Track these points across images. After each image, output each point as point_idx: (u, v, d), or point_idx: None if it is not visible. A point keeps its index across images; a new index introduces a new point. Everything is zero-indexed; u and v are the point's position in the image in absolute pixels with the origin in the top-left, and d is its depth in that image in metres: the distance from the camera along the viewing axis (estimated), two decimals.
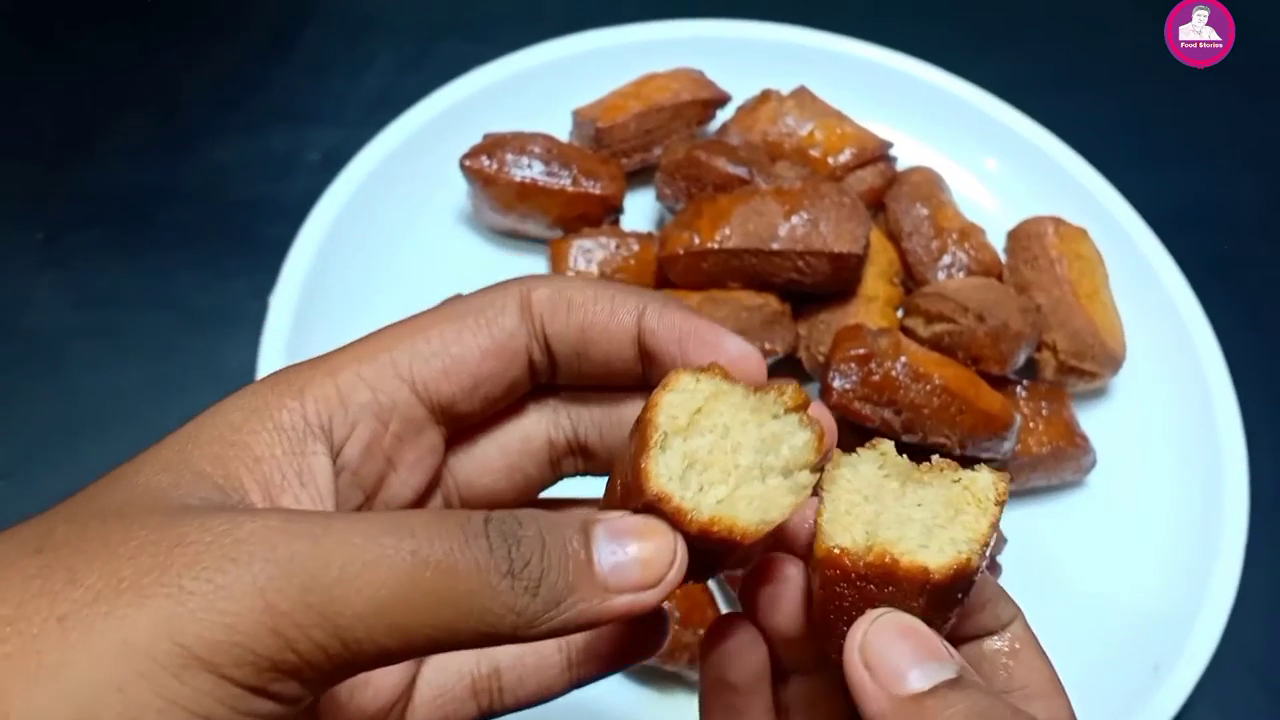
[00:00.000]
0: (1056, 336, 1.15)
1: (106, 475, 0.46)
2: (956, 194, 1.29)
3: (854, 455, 0.51)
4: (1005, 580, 1.05)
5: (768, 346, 1.10)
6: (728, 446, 0.48)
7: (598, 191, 1.21)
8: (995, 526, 0.49)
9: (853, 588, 0.49)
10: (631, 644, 0.61)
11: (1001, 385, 1.11)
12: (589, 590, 0.45)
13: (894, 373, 1.01)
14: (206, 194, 1.34)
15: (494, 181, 1.19)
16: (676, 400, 0.48)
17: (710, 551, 0.48)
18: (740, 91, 1.32)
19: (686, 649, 0.97)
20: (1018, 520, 1.10)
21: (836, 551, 0.49)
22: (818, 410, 0.51)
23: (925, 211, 1.22)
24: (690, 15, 1.41)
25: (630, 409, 0.50)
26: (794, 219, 1.11)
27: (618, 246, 1.18)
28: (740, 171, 1.17)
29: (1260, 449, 1.15)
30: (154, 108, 1.42)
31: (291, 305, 1.12)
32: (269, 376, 0.50)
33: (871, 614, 0.48)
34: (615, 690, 1.01)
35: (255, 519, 0.41)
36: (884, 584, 0.48)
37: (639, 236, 1.20)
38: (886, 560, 0.48)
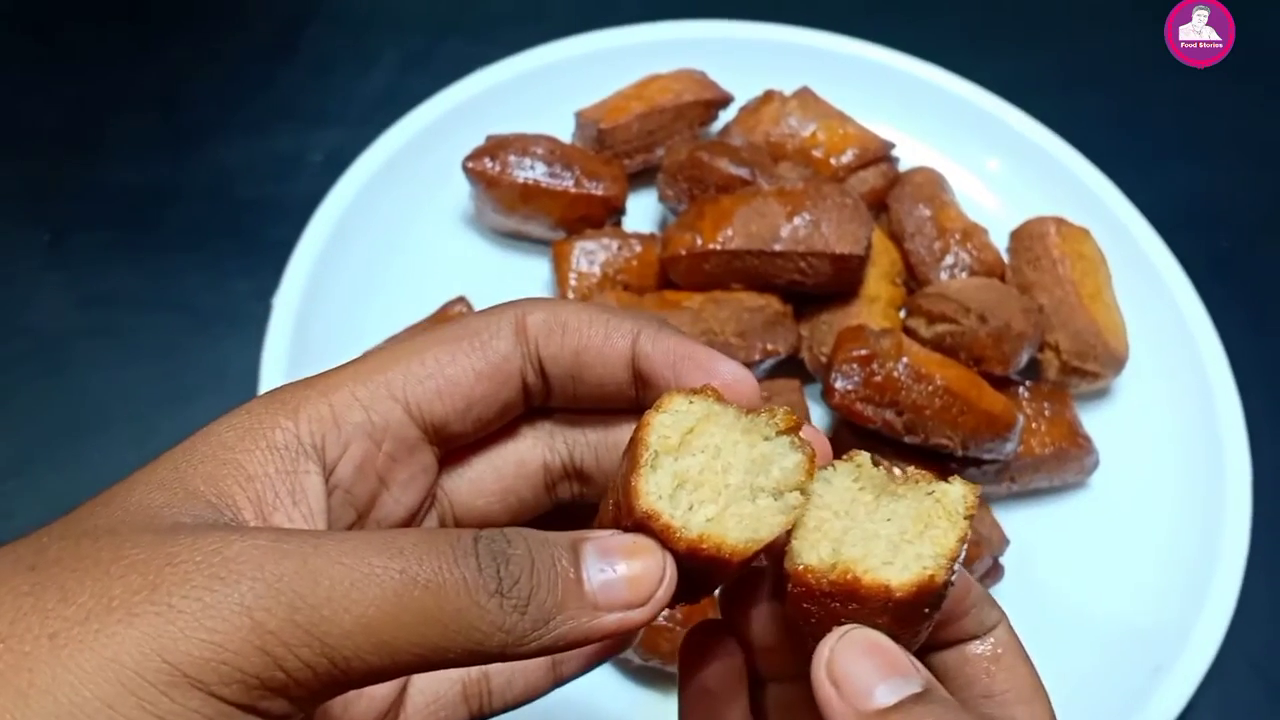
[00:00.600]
0: (1059, 337, 1.15)
1: (100, 494, 0.46)
2: (959, 194, 1.29)
3: (828, 469, 0.51)
4: (1007, 581, 1.05)
5: (770, 347, 1.10)
6: (718, 467, 0.48)
7: (600, 193, 1.21)
8: (964, 541, 0.48)
9: (818, 605, 0.49)
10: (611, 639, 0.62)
11: (1004, 386, 1.11)
12: (578, 608, 0.45)
13: (896, 374, 1.01)
14: (210, 194, 1.34)
15: (497, 183, 1.19)
16: (668, 420, 0.48)
17: (701, 571, 0.48)
18: (743, 92, 1.32)
19: None
20: (1020, 521, 1.10)
21: (802, 569, 0.48)
22: (810, 433, 0.51)
23: (928, 212, 1.22)
24: (692, 16, 1.42)
25: (626, 431, 0.50)
26: (796, 220, 1.11)
27: (620, 248, 1.18)
28: (742, 172, 1.17)
29: (1263, 449, 1.15)
30: (158, 108, 1.42)
31: (294, 306, 1.13)
32: (263, 396, 0.51)
33: (838, 631, 0.48)
34: (617, 691, 1.01)
35: (245, 538, 0.41)
36: (848, 601, 0.48)
37: (641, 238, 1.20)
38: (849, 578, 0.48)
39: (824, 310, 1.15)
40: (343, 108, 1.42)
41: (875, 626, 0.48)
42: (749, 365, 1.09)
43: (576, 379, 0.55)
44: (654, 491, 0.47)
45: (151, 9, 1.52)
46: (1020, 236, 1.23)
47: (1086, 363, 1.15)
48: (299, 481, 0.48)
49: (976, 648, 0.54)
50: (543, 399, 0.56)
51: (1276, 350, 1.29)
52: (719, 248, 1.11)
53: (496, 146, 1.20)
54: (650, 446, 0.47)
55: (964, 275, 1.19)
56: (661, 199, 1.23)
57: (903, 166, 1.30)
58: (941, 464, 1.05)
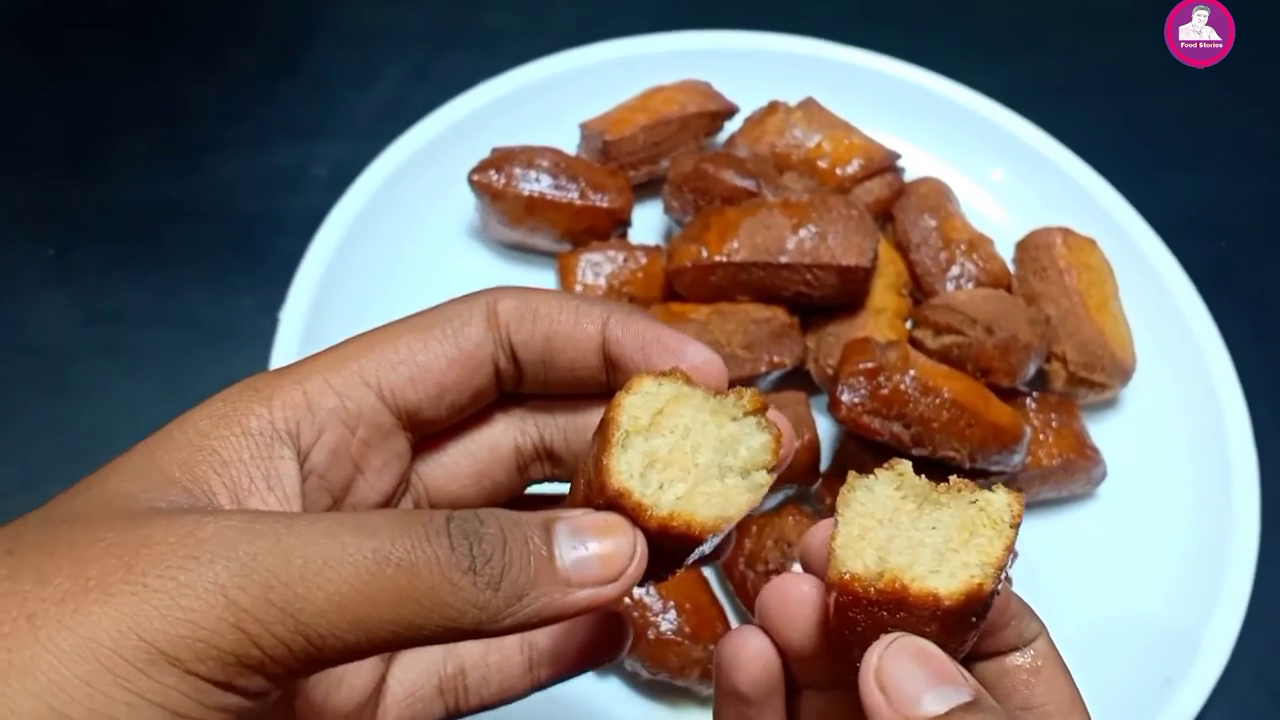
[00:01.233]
0: (1066, 348, 1.15)
1: (78, 482, 0.47)
2: (964, 205, 1.28)
3: (870, 477, 0.51)
4: (1014, 593, 1.04)
5: (776, 359, 1.10)
6: (687, 446, 0.49)
7: (605, 205, 1.21)
8: (1010, 549, 0.49)
9: (865, 613, 0.49)
10: (591, 649, 0.63)
11: (1011, 397, 1.11)
12: (550, 585, 0.46)
13: (903, 386, 1.01)
14: (214, 209, 1.34)
15: (502, 195, 1.19)
16: (639, 401, 0.49)
17: (671, 549, 0.49)
18: (747, 103, 1.32)
19: (697, 664, 0.97)
20: (1027, 533, 1.08)
21: (848, 577, 0.49)
22: (775, 414, 0.52)
23: (933, 223, 1.22)
24: (697, 27, 1.42)
25: (595, 415, 0.52)
26: (802, 232, 1.11)
27: (625, 260, 1.18)
28: (748, 184, 1.17)
29: (1271, 459, 1.14)
30: (161, 123, 1.42)
31: (301, 320, 1.13)
32: (238, 384, 0.51)
33: (886, 638, 0.48)
34: (627, 705, 1.01)
35: (219, 519, 0.42)
36: (895, 610, 0.48)
37: (647, 249, 1.20)
38: (897, 587, 0.48)
39: (830, 322, 1.15)
40: (345, 122, 1.42)
41: (922, 635, 0.48)
42: (756, 377, 1.09)
43: (548, 364, 0.56)
44: (625, 470, 0.48)
45: (155, 25, 1.52)
46: (1026, 247, 1.23)
47: (1094, 373, 1.15)
48: (274, 467, 0.49)
49: (1016, 659, 0.54)
50: (515, 384, 0.57)
51: None
52: (725, 260, 1.11)
53: (502, 159, 1.20)
54: (621, 426, 0.48)
55: (970, 286, 1.19)
56: (667, 211, 1.23)
57: (908, 177, 1.30)
58: (949, 476, 1.05)
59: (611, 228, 1.22)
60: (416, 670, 0.61)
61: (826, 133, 1.27)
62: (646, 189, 1.30)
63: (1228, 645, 1.03)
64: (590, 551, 0.47)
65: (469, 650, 0.62)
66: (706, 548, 0.51)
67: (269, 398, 0.50)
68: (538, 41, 1.40)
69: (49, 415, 1.17)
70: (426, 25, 1.55)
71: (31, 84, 1.44)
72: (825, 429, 1.09)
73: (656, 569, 0.49)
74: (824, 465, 1.09)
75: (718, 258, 1.11)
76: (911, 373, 1.01)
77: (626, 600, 0.97)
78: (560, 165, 1.21)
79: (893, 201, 1.26)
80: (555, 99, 1.34)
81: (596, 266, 1.17)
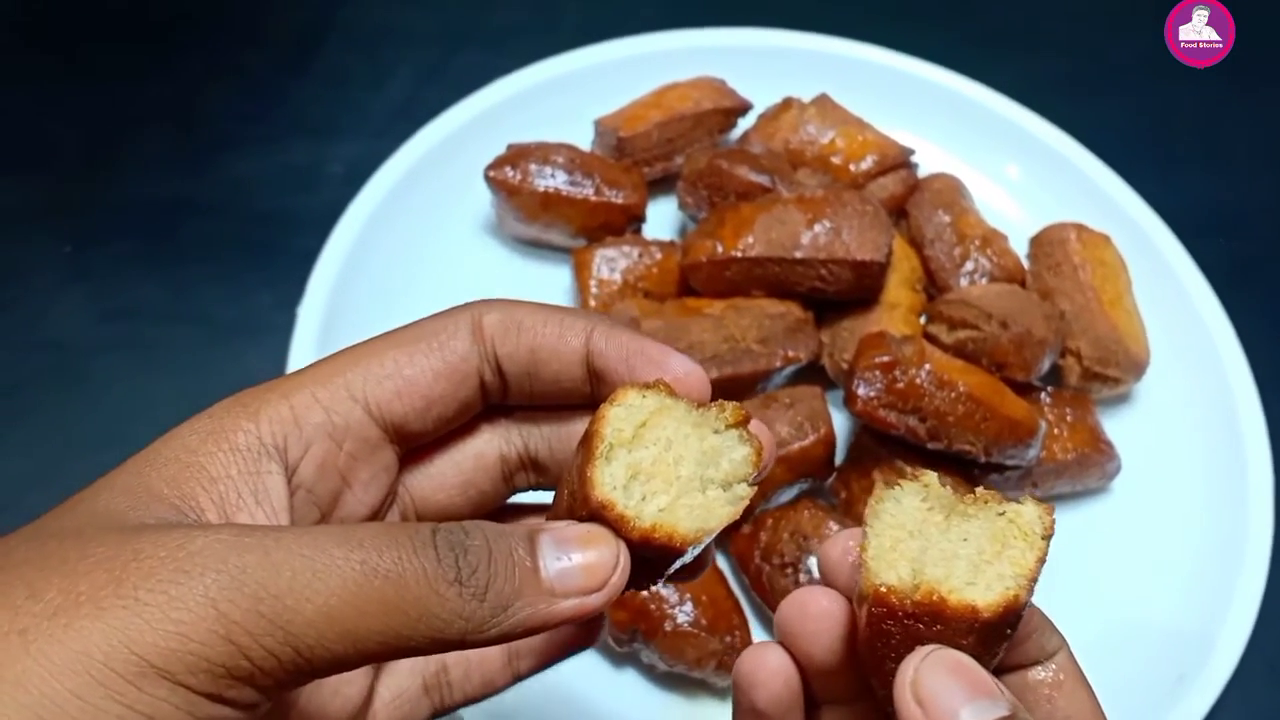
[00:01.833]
0: (1080, 343, 1.15)
1: (67, 500, 0.47)
2: (978, 200, 1.29)
3: (896, 489, 0.51)
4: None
5: (791, 354, 1.10)
6: (670, 459, 0.50)
7: (620, 201, 1.21)
8: (1043, 561, 0.49)
9: (900, 625, 0.49)
10: (568, 639, 0.64)
11: (1026, 392, 1.11)
12: (535, 595, 0.46)
13: (918, 380, 1.01)
14: (230, 207, 1.35)
15: (518, 192, 1.19)
16: (622, 414, 0.50)
17: (652, 559, 0.49)
18: (761, 99, 1.32)
19: (713, 656, 0.97)
20: None
21: (883, 590, 0.49)
22: (756, 427, 0.52)
23: (947, 218, 1.22)
24: (711, 24, 1.42)
25: (579, 426, 0.53)
26: (816, 227, 1.11)
27: (641, 255, 1.18)
28: (762, 180, 1.17)
29: None
30: (176, 122, 1.43)
31: (318, 316, 1.13)
32: (226, 400, 0.52)
33: (922, 650, 0.48)
34: (644, 697, 1.01)
35: (208, 534, 0.43)
36: (932, 622, 0.48)
37: (661, 245, 1.20)
38: (934, 599, 0.48)
39: (845, 317, 1.15)
40: (359, 120, 1.43)
41: (959, 648, 0.48)
42: (771, 372, 1.09)
43: (533, 376, 0.56)
44: (608, 482, 0.48)
45: (170, 26, 1.53)
46: (1040, 242, 1.23)
47: (1108, 368, 1.15)
48: (262, 482, 0.49)
49: (1039, 673, 0.54)
50: (500, 396, 0.58)
51: None
52: (740, 255, 1.11)
53: (517, 155, 1.20)
54: (605, 439, 0.49)
55: (984, 281, 1.19)
56: (681, 206, 1.24)
57: (922, 173, 1.30)
58: (965, 470, 1.05)
59: (626, 223, 1.23)
60: (401, 673, 0.61)
61: (840, 129, 1.28)
62: (661, 185, 1.30)
63: (1241, 641, 1.02)
64: (574, 562, 0.47)
65: None
66: (688, 558, 0.51)
67: (256, 413, 0.51)
68: (550, 40, 1.40)
69: (65, 411, 1.17)
70: (439, 24, 1.55)
71: (48, 84, 1.44)
72: (840, 423, 1.09)
73: (638, 579, 0.50)
74: (839, 459, 1.09)
75: (733, 253, 1.12)
76: (927, 367, 1.01)
77: (643, 593, 0.97)
78: (575, 161, 1.21)
79: (907, 197, 1.26)
80: (570, 96, 1.34)
81: (612, 262, 1.18)
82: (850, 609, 0.54)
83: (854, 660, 0.53)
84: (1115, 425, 1.16)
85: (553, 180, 1.20)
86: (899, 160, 1.27)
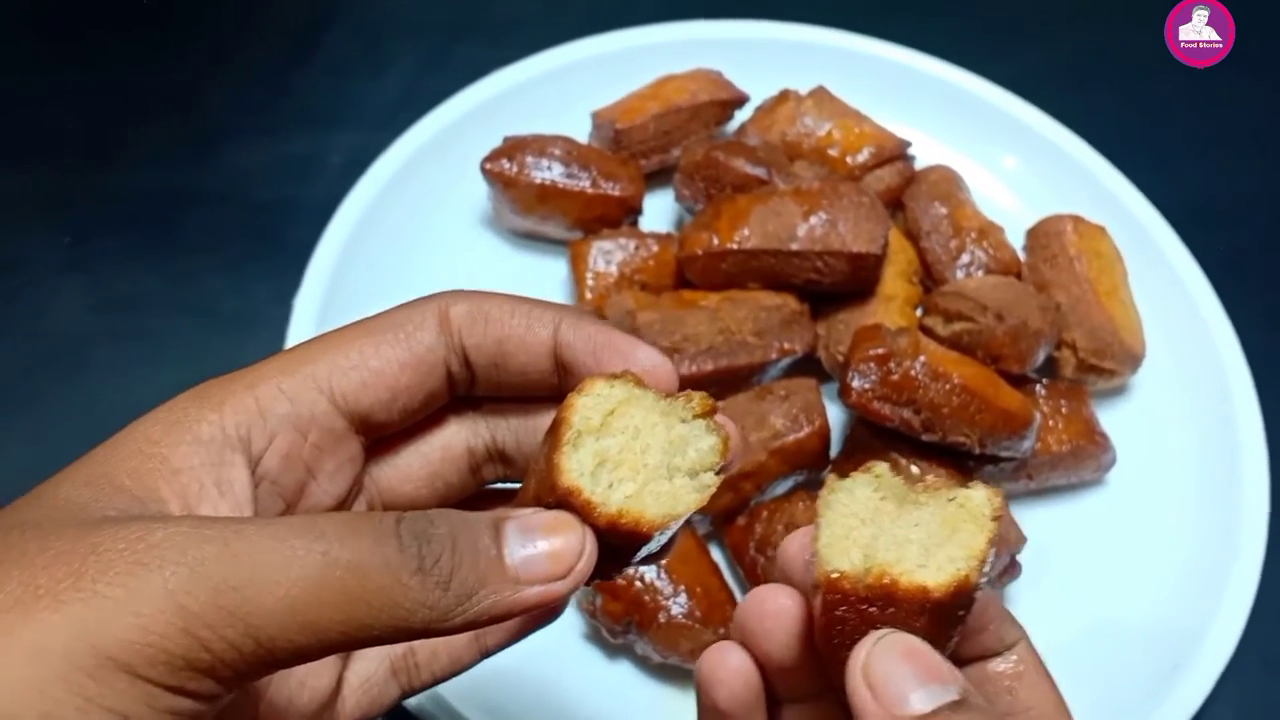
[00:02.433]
0: (1076, 335, 1.15)
1: (28, 493, 0.47)
2: (975, 192, 1.29)
3: (849, 479, 0.52)
4: (1024, 579, 1.05)
5: (787, 346, 1.10)
6: (637, 447, 0.50)
7: (617, 193, 1.21)
8: (993, 543, 0.49)
9: (853, 611, 0.49)
10: (532, 614, 0.64)
11: (1021, 384, 1.11)
12: (499, 583, 0.46)
13: (913, 372, 1.01)
14: (229, 197, 1.35)
15: (514, 184, 1.19)
16: (590, 403, 0.50)
17: (619, 546, 0.50)
18: (758, 92, 1.32)
19: (708, 647, 0.97)
20: (1036, 519, 1.10)
21: (835, 576, 0.49)
22: (723, 418, 0.52)
23: (944, 210, 1.22)
24: (708, 16, 1.42)
25: (547, 418, 0.52)
26: (812, 219, 1.11)
27: (637, 248, 1.18)
28: (759, 172, 1.17)
29: None
30: (176, 112, 1.43)
31: (315, 307, 1.14)
32: (189, 391, 0.52)
33: (874, 635, 0.48)
34: (638, 689, 1.02)
35: (168, 525, 0.42)
36: (885, 605, 0.48)
37: (658, 237, 1.20)
38: (886, 581, 0.48)
39: (841, 309, 1.15)
40: (360, 111, 1.43)
41: (912, 631, 0.48)
42: (766, 364, 1.09)
43: (500, 368, 0.56)
44: (576, 469, 0.49)
45: (170, 16, 1.53)
46: (1037, 234, 1.23)
47: (1103, 360, 1.15)
48: (225, 474, 0.49)
49: (998, 665, 0.54)
50: (467, 388, 0.58)
51: None
52: (736, 247, 1.12)
53: (514, 147, 1.21)
54: (573, 426, 0.49)
55: (980, 273, 1.19)
56: (678, 199, 1.24)
57: (919, 165, 1.30)
58: (959, 462, 1.05)
59: (623, 216, 1.23)
60: (369, 658, 0.61)
61: (837, 121, 1.28)
62: (658, 177, 1.30)
63: (1236, 631, 1.03)
64: (539, 549, 0.47)
65: None
66: (654, 545, 0.51)
67: (220, 404, 0.50)
68: (551, 31, 1.40)
69: (65, 402, 1.18)
70: (440, 15, 1.55)
71: (48, 73, 1.45)
72: (835, 415, 1.10)
73: (604, 567, 0.50)
74: (834, 452, 1.09)
75: (729, 245, 1.12)
76: (921, 359, 1.02)
77: (638, 584, 0.98)
78: (572, 154, 1.22)
79: (903, 189, 1.26)
80: (567, 88, 1.34)
81: (608, 254, 1.18)
82: (807, 605, 0.54)
83: (813, 657, 0.53)
84: (1110, 417, 1.16)
85: (549, 172, 1.20)
86: (896, 152, 1.27)
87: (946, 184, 1.26)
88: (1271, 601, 1.06)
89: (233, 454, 0.50)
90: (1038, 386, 1.13)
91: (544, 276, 1.24)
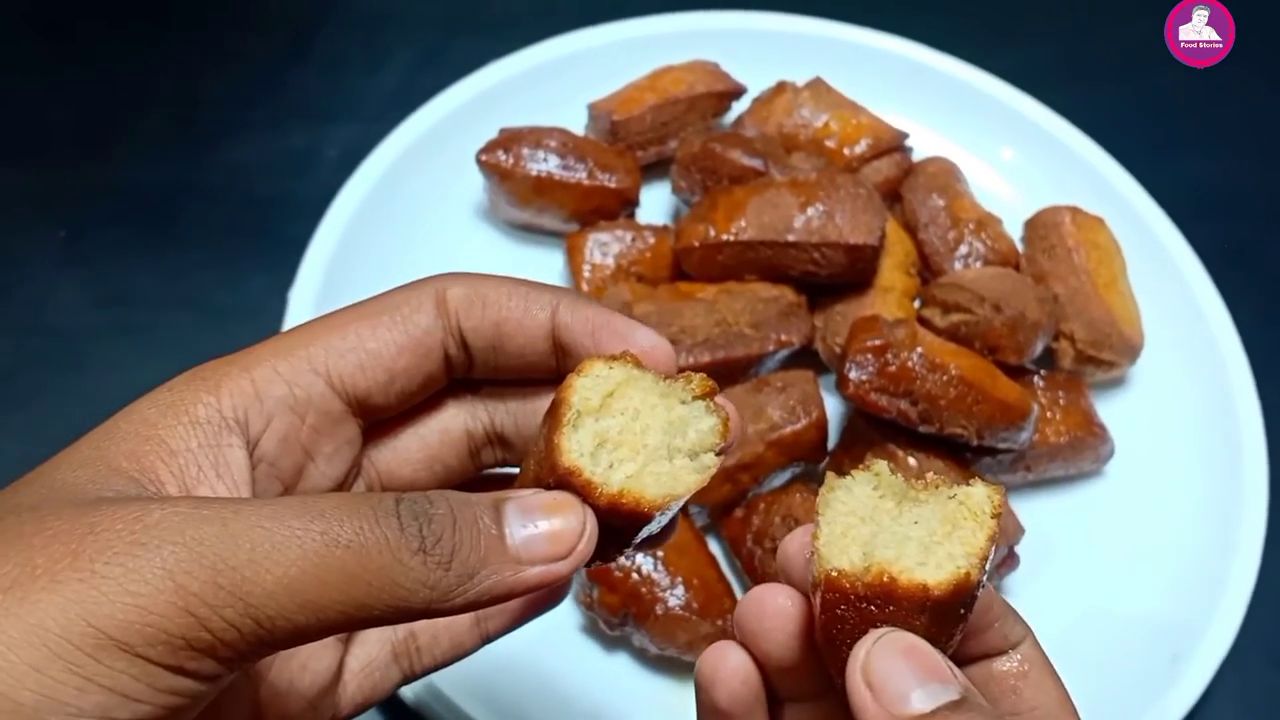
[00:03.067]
0: (1074, 326, 1.15)
1: (26, 475, 0.47)
2: (973, 184, 1.28)
3: (848, 478, 0.52)
4: (1022, 572, 1.05)
5: (784, 338, 1.10)
6: (637, 428, 0.50)
7: (613, 185, 1.21)
8: (994, 540, 0.49)
9: (853, 609, 0.49)
10: (536, 598, 0.64)
11: (1019, 375, 1.11)
12: (500, 563, 0.46)
13: (910, 363, 1.01)
14: (226, 192, 1.35)
15: (510, 176, 1.19)
16: (589, 383, 0.50)
17: (619, 527, 0.50)
18: (755, 83, 1.32)
19: (705, 639, 0.97)
20: (1035, 511, 1.10)
21: (834, 574, 0.49)
22: (723, 399, 0.52)
23: (941, 202, 1.22)
24: (704, 7, 1.42)
25: (545, 401, 0.52)
26: (809, 211, 1.11)
27: (634, 239, 1.18)
28: (756, 163, 1.17)
29: (1279, 436, 1.14)
30: (173, 107, 1.43)
31: (310, 301, 1.13)
32: (186, 373, 0.51)
33: (874, 633, 0.48)
34: (635, 680, 1.02)
35: (165, 506, 0.42)
36: (885, 604, 0.48)
37: (655, 229, 1.20)
38: (885, 579, 0.48)
39: (838, 301, 1.15)
40: (356, 106, 1.43)
41: (912, 629, 0.48)
42: (764, 356, 1.09)
43: (498, 350, 0.56)
44: (576, 449, 0.49)
45: (167, 11, 1.53)
46: (1035, 226, 1.23)
47: (1102, 351, 1.15)
48: (222, 455, 0.49)
49: (1003, 664, 0.54)
50: (465, 371, 0.58)
51: None
52: (732, 239, 1.11)
53: (510, 139, 1.20)
54: (573, 406, 0.49)
55: (978, 265, 1.19)
56: (675, 190, 1.24)
57: (916, 156, 1.30)
58: (957, 453, 1.05)
59: (620, 208, 1.23)
60: (370, 641, 0.61)
61: (834, 112, 1.27)
62: (654, 169, 1.30)
63: (1236, 621, 1.03)
64: (540, 529, 0.47)
65: None
66: (654, 526, 0.51)
67: (217, 386, 0.50)
68: (548, 25, 1.40)
69: (62, 397, 1.18)
70: (436, 10, 1.55)
71: (45, 69, 1.44)
72: (833, 407, 1.09)
73: (605, 548, 0.50)
74: (832, 443, 1.09)
75: (725, 237, 1.12)
76: (919, 350, 1.01)
77: (635, 576, 0.98)
78: (568, 146, 1.21)
79: (901, 181, 1.26)
80: (563, 80, 1.34)
81: (605, 246, 1.18)
82: (808, 605, 0.53)
83: (813, 656, 0.53)
84: (1109, 408, 1.16)
85: (545, 164, 1.20)
86: (893, 144, 1.27)
87: (944, 175, 1.25)
88: (1271, 591, 1.06)
89: (230, 436, 0.50)
90: (1036, 378, 1.13)
91: (540, 269, 1.24)
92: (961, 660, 0.53)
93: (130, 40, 1.49)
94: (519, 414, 0.59)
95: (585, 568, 0.50)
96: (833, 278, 1.13)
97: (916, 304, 1.18)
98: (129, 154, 1.37)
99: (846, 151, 1.25)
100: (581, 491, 0.48)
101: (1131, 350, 1.16)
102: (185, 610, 0.40)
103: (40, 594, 0.39)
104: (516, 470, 0.58)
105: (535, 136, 1.21)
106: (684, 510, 1.03)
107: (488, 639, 0.64)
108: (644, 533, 0.51)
